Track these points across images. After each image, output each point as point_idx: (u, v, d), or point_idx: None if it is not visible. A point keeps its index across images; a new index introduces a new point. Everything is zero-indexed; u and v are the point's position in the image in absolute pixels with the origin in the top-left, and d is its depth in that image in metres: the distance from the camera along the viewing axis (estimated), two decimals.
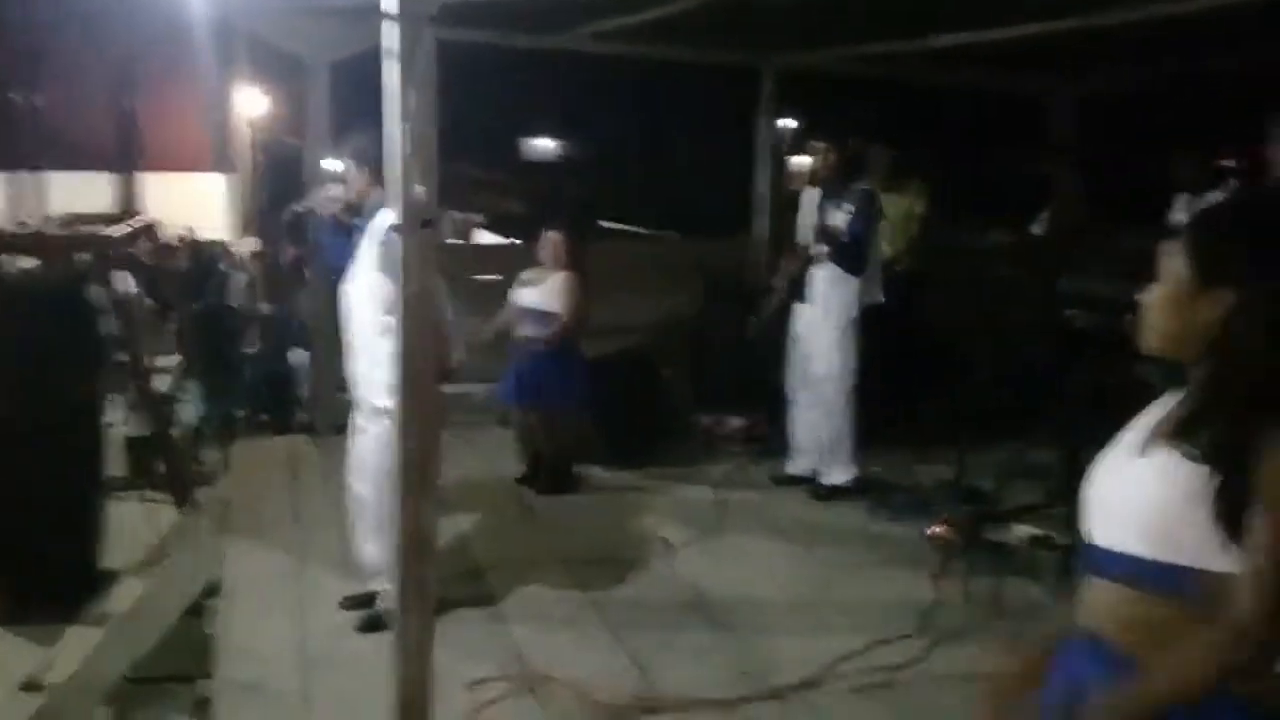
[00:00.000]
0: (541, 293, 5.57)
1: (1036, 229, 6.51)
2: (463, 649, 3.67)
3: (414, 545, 2.99)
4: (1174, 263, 1.59)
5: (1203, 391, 1.55)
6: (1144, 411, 1.67)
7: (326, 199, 4.23)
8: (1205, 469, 1.48)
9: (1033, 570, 4.32)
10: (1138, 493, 1.57)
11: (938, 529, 4.82)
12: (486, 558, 4.66)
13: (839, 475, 5.52)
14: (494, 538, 4.92)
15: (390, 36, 2.73)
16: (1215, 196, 5.03)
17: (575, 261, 5.65)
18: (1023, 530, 4.57)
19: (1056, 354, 5.47)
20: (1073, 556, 2.96)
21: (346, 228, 4.10)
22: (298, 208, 4.72)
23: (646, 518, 5.23)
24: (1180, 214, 5.71)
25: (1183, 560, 1.51)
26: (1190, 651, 1.49)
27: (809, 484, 5.62)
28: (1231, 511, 1.46)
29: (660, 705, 3.46)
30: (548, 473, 5.59)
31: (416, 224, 2.78)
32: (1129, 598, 1.58)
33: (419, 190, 2.77)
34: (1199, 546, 1.49)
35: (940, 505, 5.16)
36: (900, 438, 6.10)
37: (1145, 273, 1.65)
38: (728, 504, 5.39)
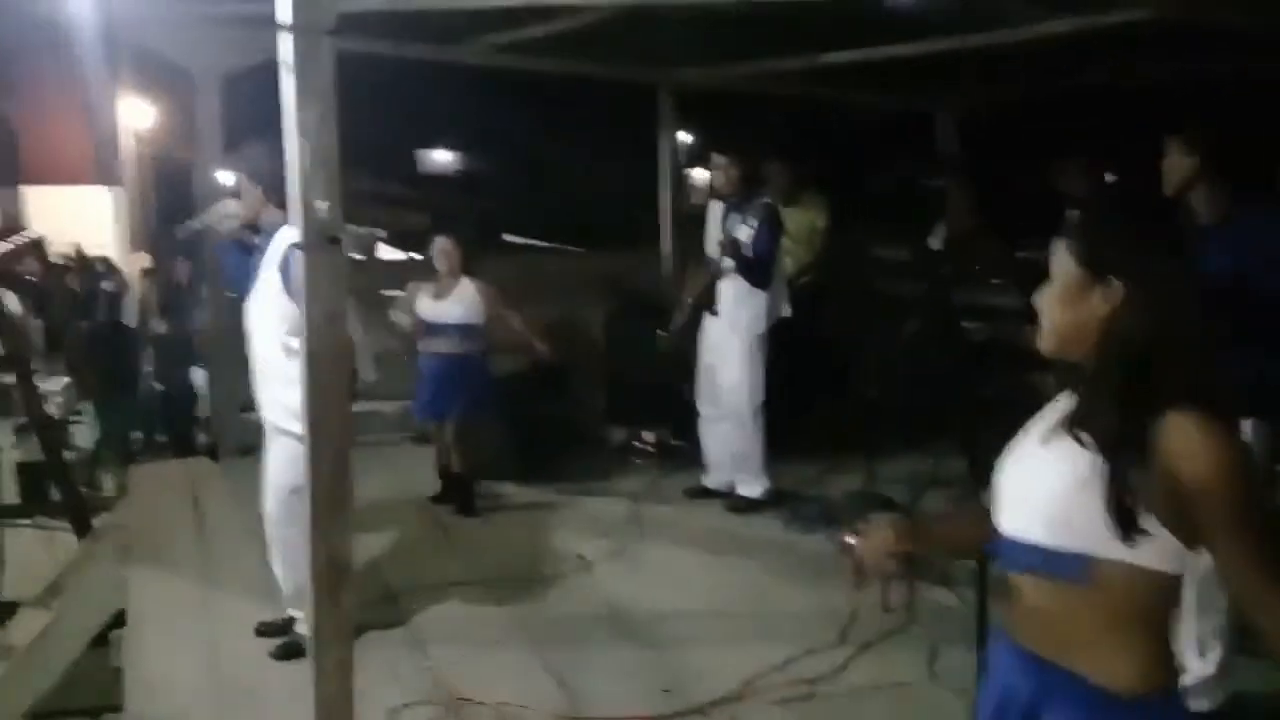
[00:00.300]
0: (455, 304, 5.45)
1: (933, 242, 6.68)
2: (382, 674, 3.60)
3: (330, 570, 2.92)
4: (1064, 260, 1.64)
5: (1095, 382, 1.60)
6: (1047, 407, 1.73)
7: (223, 216, 4.10)
8: (1095, 456, 1.54)
9: (945, 577, 4.42)
10: (1038, 481, 1.63)
11: (850, 539, 4.89)
12: (402, 580, 4.58)
13: (752, 488, 5.57)
14: (409, 559, 4.84)
15: (287, 48, 2.66)
16: None
17: (471, 267, 5.57)
18: None
19: (957, 365, 5.63)
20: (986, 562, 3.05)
21: (246, 245, 3.99)
22: (194, 225, 4.57)
23: (562, 533, 5.21)
24: None
25: (1076, 546, 1.56)
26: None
27: (723, 497, 5.66)
28: (1120, 497, 1.51)
29: None
30: (460, 489, 5.51)
31: (321, 241, 2.71)
32: (1034, 588, 1.64)
33: (322, 206, 2.69)
34: (1091, 533, 1.54)
35: (852, 515, 5.24)
36: (809, 449, 6.21)
37: (1041, 283, 1.71)
38: (643, 518, 5.41)
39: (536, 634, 4.09)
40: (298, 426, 3.34)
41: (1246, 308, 3.11)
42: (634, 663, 3.88)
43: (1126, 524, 1.51)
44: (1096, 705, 1.59)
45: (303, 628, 3.70)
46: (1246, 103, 6.56)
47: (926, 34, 5.87)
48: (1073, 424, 1.60)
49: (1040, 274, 1.71)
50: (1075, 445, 1.58)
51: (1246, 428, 3.16)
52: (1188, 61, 6.36)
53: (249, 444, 6.27)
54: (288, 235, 3.47)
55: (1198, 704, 3.21)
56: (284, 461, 3.73)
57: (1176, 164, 3.39)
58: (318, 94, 2.67)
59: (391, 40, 6.53)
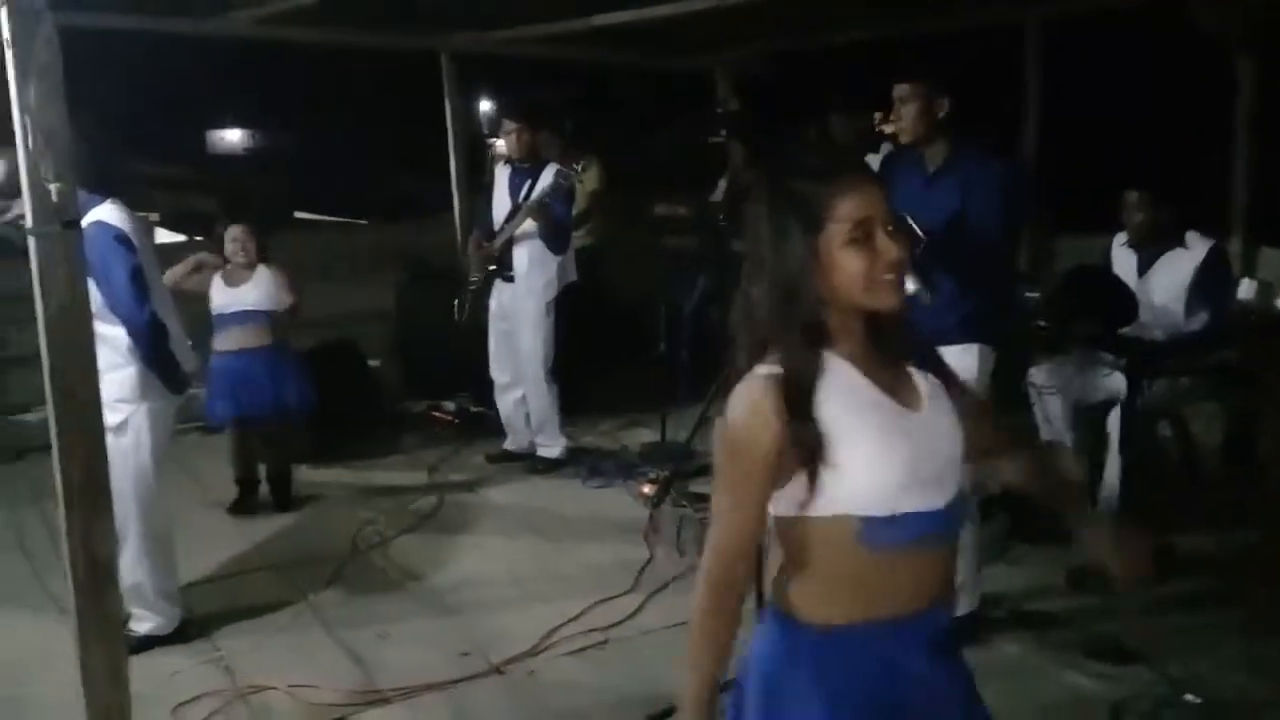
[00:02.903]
0: (252, 290, 5.16)
1: (716, 197, 6.81)
2: (164, 672, 3.50)
3: (90, 571, 2.80)
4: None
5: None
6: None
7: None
8: (945, 391, 1.68)
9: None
10: (950, 442, 1.61)
11: (644, 488, 5.02)
12: (188, 573, 4.40)
13: (551, 448, 5.63)
14: (197, 552, 4.62)
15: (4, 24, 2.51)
16: (875, 158, 5.43)
17: (267, 253, 5.32)
18: None
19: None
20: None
21: None
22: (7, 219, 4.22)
23: (361, 512, 5.11)
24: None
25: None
26: None
27: (525, 459, 5.70)
28: None
29: (380, 697, 3.42)
30: (277, 488, 5.26)
31: (55, 226, 2.58)
32: (944, 546, 1.64)
33: (54, 189, 2.56)
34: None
35: (648, 466, 5.38)
36: (608, 407, 6.30)
37: None
38: (443, 488, 5.39)
39: (331, 614, 4.03)
40: (111, 418, 3.31)
41: (968, 246, 3.33)
42: (432, 631, 3.88)
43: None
44: (948, 633, 1.67)
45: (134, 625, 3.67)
46: (971, 57, 6.91)
47: None
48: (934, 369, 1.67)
49: None
50: (939, 394, 1.63)
51: (974, 351, 3.41)
52: (926, 19, 6.66)
53: (23, 447, 5.89)
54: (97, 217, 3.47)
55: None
56: (114, 459, 3.48)
57: (918, 114, 3.55)
58: (40, 71, 2.52)
59: (143, 14, 6.14)
